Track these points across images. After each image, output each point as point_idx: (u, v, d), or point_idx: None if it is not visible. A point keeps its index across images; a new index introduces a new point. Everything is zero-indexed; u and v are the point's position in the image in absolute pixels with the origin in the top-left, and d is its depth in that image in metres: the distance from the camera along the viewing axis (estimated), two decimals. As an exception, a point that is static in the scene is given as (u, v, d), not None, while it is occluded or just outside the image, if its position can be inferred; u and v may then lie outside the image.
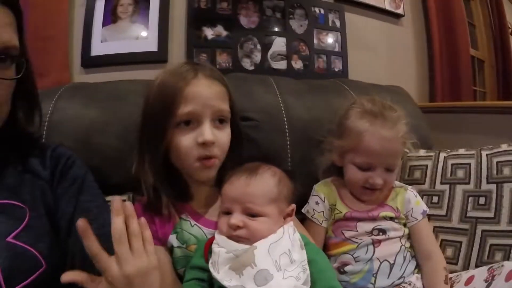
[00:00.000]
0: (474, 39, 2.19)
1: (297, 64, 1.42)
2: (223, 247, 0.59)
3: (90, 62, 1.22)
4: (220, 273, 0.56)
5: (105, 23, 1.23)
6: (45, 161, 0.62)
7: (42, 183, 0.60)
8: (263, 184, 0.63)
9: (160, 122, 0.65)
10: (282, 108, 0.88)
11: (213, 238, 0.63)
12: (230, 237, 0.60)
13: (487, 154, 0.86)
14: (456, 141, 1.32)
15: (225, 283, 0.54)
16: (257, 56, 1.35)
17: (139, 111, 0.83)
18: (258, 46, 1.35)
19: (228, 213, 0.63)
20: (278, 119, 0.86)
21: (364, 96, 0.83)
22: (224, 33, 1.31)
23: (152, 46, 1.26)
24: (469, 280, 0.68)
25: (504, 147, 0.86)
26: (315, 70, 1.46)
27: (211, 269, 0.57)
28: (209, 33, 1.29)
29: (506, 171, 0.81)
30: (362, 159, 0.74)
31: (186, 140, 0.65)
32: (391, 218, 0.76)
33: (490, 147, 0.88)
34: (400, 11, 1.69)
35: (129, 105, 0.85)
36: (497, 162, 0.83)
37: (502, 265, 0.65)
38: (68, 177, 0.62)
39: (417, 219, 0.77)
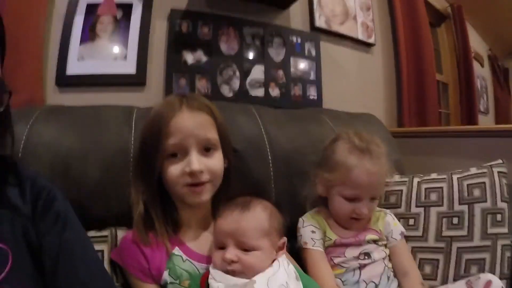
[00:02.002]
0: (439, 63, 2.38)
1: (274, 92, 1.47)
2: (220, 282, 0.60)
3: (65, 81, 1.18)
4: None
5: (83, 40, 1.20)
6: (25, 194, 0.59)
7: (23, 220, 0.57)
8: (255, 218, 0.65)
9: (151, 152, 0.69)
10: (265, 139, 0.91)
11: (207, 272, 0.64)
12: (225, 271, 0.62)
13: (457, 178, 0.96)
14: (425, 163, 1.42)
15: None
16: (236, 83, 1.38)
17: (121, 139, 0.83)
18: (237, 73, 1.39)
19: (222, 247, 0.64)
20: (262, 150, 0.89)
21: (349, 130, 0.89)
22: (204, 58, 1.33)
23: (130, 68, 1.25)
24: None
25: (473, 170, 0.97)
26: (291, 97, 1.51)
27: None
28: (189, 58, 1.31)
29: (476, 192, 0.92)
30: (350, 191, 0.80)
31: (174, 170, 0.69)
32: (375, 241, 0.82)
33: (460, 170, 0.98)
34: (371, 40, 1.80)
35: (111, 133, 0.84)
36: (468, 185, 0.94)
37: (479, 277, 0.74)
38: (50, 213, 0.59)
39: (396, 239, 0.84)
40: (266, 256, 0.64)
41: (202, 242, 0.74)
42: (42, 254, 0.57)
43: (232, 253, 0.62)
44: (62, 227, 0.59)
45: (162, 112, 0.70)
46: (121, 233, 0.79)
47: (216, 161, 0.72)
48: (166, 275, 0.68)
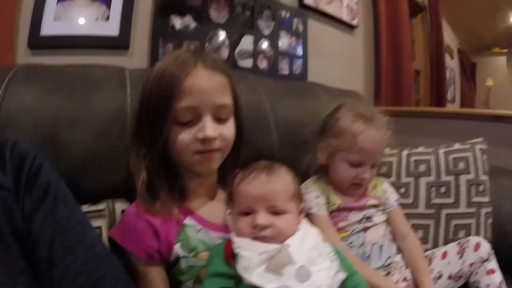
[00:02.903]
0: (413, 51, 2.48)
1: (262, 64, 1.45)
2: (249, 250, 0.57)
3: (39, 43, 1.07)
4: (255, 277, 0.54)
5: (60, -3, 1.09)
6: (4, 164, 0.49)
7: (4, 195, 0.47)
8: (283, 181, 0.63)
9: (157, 116, 0.62)
10: (267, 107, 0.90)
11: (229, 243, 0.60)
12: (254, 238, 0.59)
13: (443, 152, 1.03)
14: (403, 141, 1.49)
15: (266, 286, 0.53)
16: (225, 52, 1.35)
17: (116, 101, 0.77)
18: (226, 42, 1.35)
19: (247, 213, 0.61)
20: (264, 118, 0.88)
21: (349, 100, 0.92)
22: (193, 24, 1.28)
23: (113, 30, 1.16)
24: (444, 255, 0.82)
25: (456, 146, 1.04)
26: (278, 71, 1.50)
27: (244, 275, 0.55)
28: (177, 22, 1.25)
29: (461, 165, 0.99)
30: (356, 157, 0.81)
31: (185, 136, 0.62)
32: (375, 206, 0.85)
33: (445, 145, 1.06)
34: (355, 22, 1.83)
35: (104, 94, 0.76)
36: (453, 158, 1.01)
37: (468, 240, 0.81)
38: (37, 185, 0.50)
39: (393, 206, 0.88)
40: (294, 219, 0.63)
41: (213, 211, 0.69)
42: (33, 239, 0.48)
43: (264, 218, 0.59)
44: (53, 202, 0.51)
45: (172, 70, 0.62)
46: (119, 206, 0.72)
47: (230, 129, 0.67)
48: (177, 249, 0.63)
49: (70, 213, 0.53)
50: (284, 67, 1.53)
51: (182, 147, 0.63)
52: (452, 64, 3.32)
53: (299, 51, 1.58)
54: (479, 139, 1.05)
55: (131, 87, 0.79)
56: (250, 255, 0.56)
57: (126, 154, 0.69)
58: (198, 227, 0.65)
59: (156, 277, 0.62)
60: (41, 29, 1.07)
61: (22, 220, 0.48)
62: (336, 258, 0.60)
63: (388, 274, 0.77)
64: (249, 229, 0.59)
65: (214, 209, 0.70)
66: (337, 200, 0.82)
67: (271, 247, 0.57)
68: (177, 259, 0.63)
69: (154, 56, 1.20)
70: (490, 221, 0.94)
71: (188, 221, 0.65)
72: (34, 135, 0.67)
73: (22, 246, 0.47)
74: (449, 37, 3.14)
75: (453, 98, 3.33)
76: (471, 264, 0.78)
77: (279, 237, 0.58)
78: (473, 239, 0.81)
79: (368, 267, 0.77)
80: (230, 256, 0.58)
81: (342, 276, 0.58)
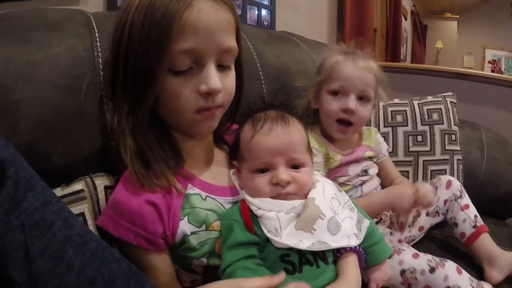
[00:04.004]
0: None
1: (231, 12, 1.35)
2: (274, 210, 0.51)
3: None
4: (286, 238, 0.49)
5: None
6: None
7: None
8: (299, 131, 0.57)
9: (145, 62, 0.48)
10: (254, 54, 0.83)
11: (246, 207, 0.53)
12: (275, 196, 0.53)
13: (417, 103, 1.08)
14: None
15: (300, 246, 0.49)
16: None
17: (83, 45, 0.63)
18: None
19: (263, 170, 0.54)
20: (251, 66, 0.81)
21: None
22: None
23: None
24: None
25: (429, 98, 1.10)
26: (247, 20, 1.42)
27: (274, 238, 0.49)
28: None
29: (434, 116, 1.05)
30: (335, 84, 0.78)
31: (183, 89, 0.50)
32: (371, 158, 0.84)
33: (418, 98, 1.10)
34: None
35: (69, 36, 0.61)
36: (427, 109, 1.06)
37: (440, 179, 0.87)
38: None
39: (384, 155, 0.89)
40: (312, 171, 0.58)
41: (215, 175, 0.60)
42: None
43: (286, 173, 0.53)
44: (14, 190, 0.36)
45: (166, 3, 0.46)
46: (101, 182, 0.59)
47: (232, 80, 0.55)
48: (184, 225, 0.52)
49: (43, 203, 0.38)
50: (252, 17, 1.44)
51: (180, 104, 0.50)
52: (405, 25, 3.44)
53: (267, 1, 1.50)
54: (449, 93, 1.11)
55: (98, 29, 0.65)
56: (275, 215, 0.51)
57: (101, 114, 0.57)
58: (203, 195, 0.56)
59: (161, 265, 0.52)
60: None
61: None
62: (354, 206, 0.59)
63: (379, 221, 0.78)
64: (269, 187, 0.53)
65: (216, 171, 0.61)
66: (337, 156, 0.79)
67: (296, 203, 0.52)
68: (184, 237, 0.53)
69: (112, 4, 1.04)
70: (461, 167, 1.01)
71: (191, 189, 0.55)
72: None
73: None
74: (404, -1, 3.22)
75: (405, 57, 3.49)
76: (445, 201, 0.84)
77: (301, 192, 0.54)
78: (444, 178, 0.86)
79: (370, 198, 0.79)
80: (251, 221, 0.52)
81: (367, 223, 0.57)
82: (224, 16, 0.50)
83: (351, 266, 0.54)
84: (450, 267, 0.66)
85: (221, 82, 0.51)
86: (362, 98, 0.78)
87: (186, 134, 0.57)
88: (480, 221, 0.80)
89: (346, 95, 0.77)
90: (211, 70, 0.50)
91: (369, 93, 0.79)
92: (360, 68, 0.77)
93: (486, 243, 0.77)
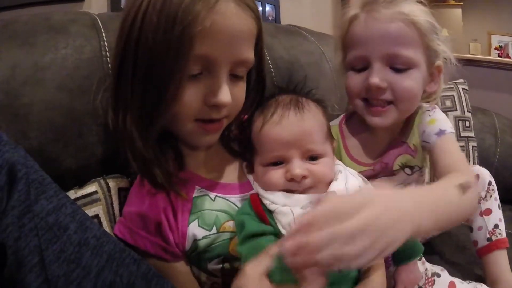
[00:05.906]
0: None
1: (235, 7, 1.35)
2: (288, 205, 0.47)
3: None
4: None
5: None
6: None
7: None
8: (317, 117, 0.51)
9: (163, 68, 0.44)
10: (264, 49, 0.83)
11: (258, 203, 0.49)
12: (289, 190, 0.49)
13: (462, 88, 1.07)
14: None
15: None
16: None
17: (91, 46, 0.63)
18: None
19: (277, 163, 0.50)
20: (262, 59, 0.81)
21: None
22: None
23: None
24: None
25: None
26: (251, 16, 1.41)
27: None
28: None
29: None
30: (353, 53, 0.60)
31: (189, 95, 0.46)
32: (408, 166, 0.64)
33: (462, 80, 1.09)
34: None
35: (75, 38, 0.60)
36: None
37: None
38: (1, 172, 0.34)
39: (428, 142, 0.62)
40: (333, 162, 0.52)
41: (222, 172, 0.56)
42: (11, 262, 0.33)
43: (302, 166, 0.48)
44: (26, 193, 0.35)
45: (187, 2, 0.42)
46: (115, 184, 0.58)
47: (242, 92, 0.52)
48: (194, 229, 0.50)
49: (56, 205, 0.37)
50: (256, 12, 1.44)
51: (180, 109, 0.46)
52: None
53: (271, -5, 1.50)
54: (461, 80, 1.10)
55: (105, 29, 0.65)
56: (290, 210, 0.47)
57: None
58: (212, 195, 0.53)
59: (179, 274, 0.51)
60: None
61: None
62: None
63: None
64: (283, 182, 0.49)
65: (222, 169, 0.57)
66: (349, 165, 0.61)
67: (315, 197, 0.48)
68: (196, 242, 0.50)
69: (116, 4, 1.04)
70: (476, 154, 1.01)
71: (199, 191, 0.53)
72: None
73: None
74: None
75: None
76: None
77: (319, 185, 0.50)
78: (473, 169, 0.73)
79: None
80: (263, 212, 0.48)
81: None
82: (246, 24, 0.47)
83: (375, 271, 0.48)
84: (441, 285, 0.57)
85: (230, 92, 0.47)
86: (393, 66, 0.57)
87: (186, 144, 0.54)
88: (499, 233, 0.66)
89: (368, 66, 0.59)
90: (223, 82, 0.46)
91: (406, 53, 0.57)
92: (381, 20, 0.56)
93: (497, 262, 0.65)
